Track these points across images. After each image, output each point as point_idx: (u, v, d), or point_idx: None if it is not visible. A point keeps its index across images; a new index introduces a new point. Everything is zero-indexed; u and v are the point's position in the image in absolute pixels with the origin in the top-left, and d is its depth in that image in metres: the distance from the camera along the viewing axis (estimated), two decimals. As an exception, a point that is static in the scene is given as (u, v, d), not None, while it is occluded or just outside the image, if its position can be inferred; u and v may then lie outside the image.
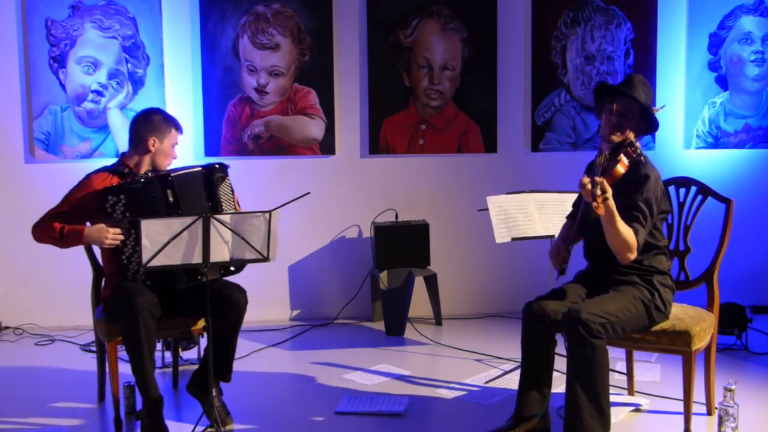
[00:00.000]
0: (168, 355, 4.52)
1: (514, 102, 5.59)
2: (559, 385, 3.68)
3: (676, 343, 3.41)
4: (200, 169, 3.74)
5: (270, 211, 3.37)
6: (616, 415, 3.72)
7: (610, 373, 4.22)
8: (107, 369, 3.77)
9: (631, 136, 3.41)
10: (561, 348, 3.45)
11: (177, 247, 3.26)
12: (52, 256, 5.30)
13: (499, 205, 4.24)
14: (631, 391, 3.98)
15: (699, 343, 3.46)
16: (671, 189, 3.84)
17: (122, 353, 4.63)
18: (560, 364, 3.75)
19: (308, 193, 3.76)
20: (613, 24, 5.52)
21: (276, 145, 5.45)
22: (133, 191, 3.59)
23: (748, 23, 5.55)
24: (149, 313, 3.48)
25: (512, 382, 4.22)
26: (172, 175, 3.62)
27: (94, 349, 4.45)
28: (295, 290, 5.59)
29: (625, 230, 3.26)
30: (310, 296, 5.60)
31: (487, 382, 4.26)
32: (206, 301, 3.46)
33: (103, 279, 3.84)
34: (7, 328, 5.36)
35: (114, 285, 3.67)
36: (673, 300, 3.51)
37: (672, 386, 4.07)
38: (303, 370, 4.52)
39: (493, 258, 5.60)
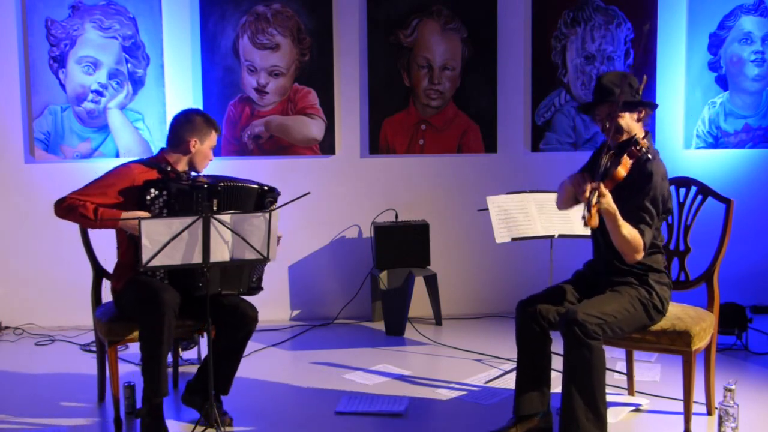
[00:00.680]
0: (168, 355, 4.51)
1: (514, 102, 5.59)
2: (558, 385, 3.67)
3: (676, 343, 3.41)
4: (257, 187, 3.70)
5: (270, 211, 3.37)
6: (616, 415, 3.72)
7: (611, 373, 4.25)
8: (107, 369, 3.76)
9: (632, 124, 3.39)
10: (558, 347, 3.45)
11: (177, 247, 3.25)
12: (52, 256, 5.32)
13: (499, 205, 4.24)
14: (631, 391, 3.98)
15: (699, 343, 3.46)
16: (671, 189, 3.84)
17: (122, 353, 4.64)
18: (558, 363, 3.74)
19: (308, 193, 3.76)
20: (613, 24, 5.52)
21: (276, 145, 5.45)
22: (179, 191, 3.56)
23: (748, 23, 5.55)
24: (173, 311, 3.45)
25: (512, 382, 4.18)
26: (221, 184, 3.59)
27: (94, 349, 4.44)
28: (295, 290, 5.59)
29: (630, 232, 3.24)
30: (310, 296, 5.60)
31: (487, 382, 4.26)
32: (215, 308, 3.45)
33: (115, 269, 3.78)
34: (7, 328, 5.36)
35: (130, 279, 3.62)
36: (670, 297, 3.51)
37: (672, 386, 4.07)
38: (303, 370, 4.52)
39: (493, 258, 5.60)
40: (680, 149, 5.64)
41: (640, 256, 3.30)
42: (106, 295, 3.97)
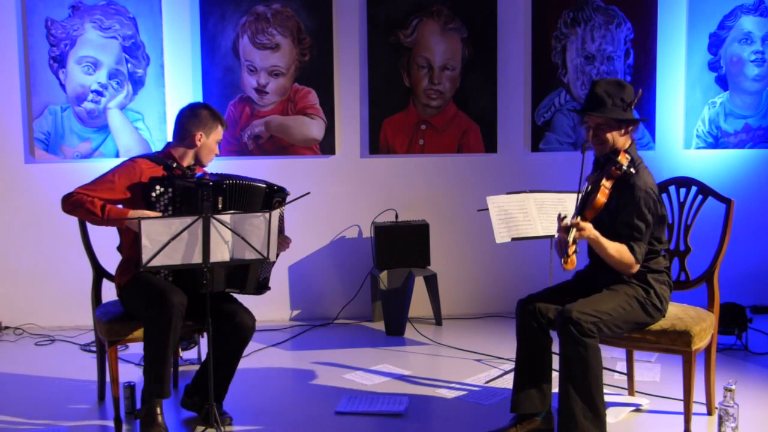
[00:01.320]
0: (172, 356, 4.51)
1: (514, 102, 5.59)
2: (557, 385, 3.67)
3: (677, 343, 3.41)
4: (264, 186, 3.66)
5: (270, 211, 3.37)
6: (616, 415, 3.72)
7: (611, 373, 4.25)
8: (107, 369, 3.76)
9: (617, 138, 3.38)
10: (556, 347, 3.45)
11: (177, 247, 3.25)
12: (52, 256, 5.32)
13: (499, 205, 4.24)
14: (631, 391, 3.98)
15: (699, 343, 3.46)
16: (671, 189, 3.85)
17: (122, 353, 4.64)
18: (557, 363, 3.74)
19: (308, 193, 3.76)
20: (613, 24, 5.52)
21: (276, 145, 5.45)
22: (185, 188, 3.55)
23: (748, 23, 5.55)
24: (181, 314, 3.44)
25: (512, 381, 4.22)
26: (226, 182, 3.56)
27: (94, 349, 4.44)
28: (295, 290, 5.59)
29: (618, 251, 3.28)
30: (310, 296, 5.60)
31: (487, 382, 4.26)
32: (213, 316, 3.45)
33: (120, 264, 3.76)
34: (7, 328, 5.36)
35: (134, 275, 3.60)
36: (670, 297, 3.51)
37: (672, 386, 4.07)
38: (303, 370, 4.52)
39: (493, 258, 5.60)
40: (680, 149, 5.64)
41: (633, 270, 3.34)
42: (106, 295, 3.97)
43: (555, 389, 3.56)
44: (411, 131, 5.54)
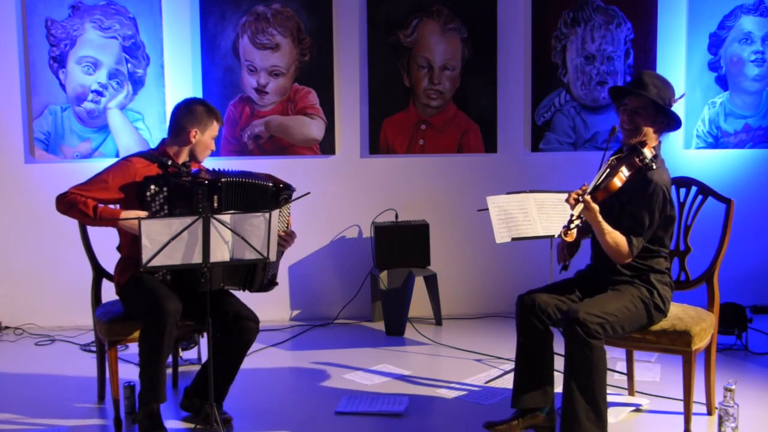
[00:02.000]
0: (167, 361, 4.50)
1: (514, 102, 5.59)
2: (560, 384, 3.67)
3: (677, 343, 3.41)
4: (263, 183, 3.64)
5: (270, 211, 3.36)
6: (617, 415, 3.72)
7: (611, 373, 4.25)
8: (107, 369, 3.76)
9: (649, 133, 3.39)
10: (559, 347, 3.45)
11: (177, 247, 3.24)
12: (52, 256, 5.32)
13: (499, 205, 4.24)
14: (631, 391, 3.98)
15: (699, 343, 3.46)
16: (671, 189, 3.84)
17: (122, 353, 4.64)
18: (560, 363, 3.74)
19: (308, 193, 3.76)
20: (613, 24, 5.52)
21: (276, 145, 5.44)
22: (179, 187, 3.54)
23: (748, 23, 5.55)
24: (175, 321, 3.43)
25: (512, 382, 4.22)
26: (222, 180, 3.54)
27: (94, 349, 4.44)
28: (295, 290, 5.59)
29: (615, 241, 3.29)
30: (310, 296, 5.60)
31: (487, 382, 4.26)
32: (217, 317, 3.46)
33: (119, 263, 3.76)
34: (7, 328, 5.36)
35: (133, 275, 3.60)
36: (672, 298, 3.51)
37: (672, 386, 4.07)
38: (303, 370, 4.52)
39: (493, 258, 5.60)
40: (680, 149, 5.64)
41: (624, 261, 3.35)
42: (106, 295, 3.97)
43: (558, 388, 3.56)
44: (411, 131, 5.54)
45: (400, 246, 5.23)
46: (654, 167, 3.33)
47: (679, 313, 3.54)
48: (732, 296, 4.88)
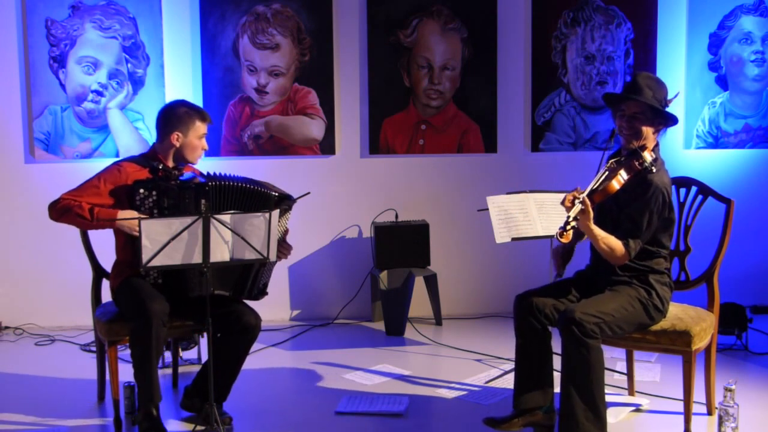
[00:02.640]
0: (168, 355, 4.51)
1: (514, 102, 5.59)
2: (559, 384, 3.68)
3: (677, 343, 3.41)
4: (253, 188, 3.61)
5: (270, 211, 3.36)
6: (616, 415, 3.72)
7: (611, 373, 4.25)
8: (107, 369, 3.76)
9: (649, 135, 3.38)
10: (557, 347, 3.45)
11: (177, 248, 3.25)
12: (52, 256, 5.32)
13: (499, 205, 4.24)
14: (631, 391, 3.98)
15: (699, 343, 3.46)
16: (671, 189, 3.84)
17: (122, 353, 4.64)
18: (558, 363, 3.74)
19: (308, 193, 3.76)
20: (613, 24, 5.52)
21: (276, 145, 5.44)
22: (167, 190, 3.54)
23: (748, 23, 5.55)
24: (161, 321, 3.43)
25: (512, 382, 4.21)
26: (209, 184, 3.54)
27: (94, 349, 4.44)
28: (295, 290, 5.59)
29: (609, 245, 3.29)
30: (310, 296, 5.60)
31: (487, 382, 4.26)
32: (219, 316, 3.46)
33: (113, 267, 3.77)
34: (7, 328, 5.36)
35: (125, 278, 3.61)
36: (671, 298, 3.51)
37: (672, 386, 4.07)
38: (303, 370, 4.52)
39: (493, 258, 5.59)
40: (680, 149, 5.64)
41: (621, 263, 3.35)
42: (106, 295, 3.97)
43: (556, 388, 3.56)
44: (411, 131, 5.54)
45: (400, 246, 5.23)
46: (654, 170, 3.33)
47: (679, 313, 3.54)
48: (732, 296, 4.88)
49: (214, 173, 3.65)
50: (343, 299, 5.55)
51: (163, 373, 4.40)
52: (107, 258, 3.96)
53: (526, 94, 5.58)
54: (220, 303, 3.61)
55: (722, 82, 5.59)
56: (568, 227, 3.19)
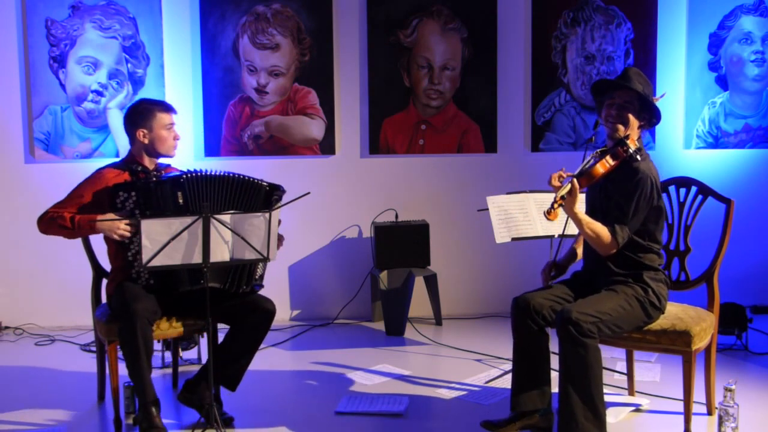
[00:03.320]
0: (168, 355, 4.52)
1: (514, 102, 5.59)
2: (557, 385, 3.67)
3: (676, 343, 3.41)
4: (234, 177, 3.61)
5: (270, 211, 3.36)
6: (616, 415, 3.72)
7: (611, 373, 4.25)
8: (107, 369, 3.77)
9: (634, 126, 3.41)
10: (555, 347, 3.45)
11: (177, 247, 3.25)
12: (52, 256, 5.32)
13: (499, 205, 4.24)
14: (631, 391, 3.98)
15: (699, 343, 3.46)
16: (671, 189, 3.84)
17: (122, 353, 4.64)
18: (557, 363, 3.74)
19: (308, 193, 3.76)
20: (613, 24, 5.52)
21: (276, 145, 5.45)
22: (144, 189, 3.55)
23: (748, 23, 5.55)
24: (147, 320, 3.45)
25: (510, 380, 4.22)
26: (183, 177, 3.55)
27: (94, 349, 4.44)
28: (295, 290, 5.59)
29: (594, 230, 3.32)
30: (310, 296, 5.60)
31: (487, 382, 4.26)
32: (233, 306, 3.46)
33: (109, 274, 3.81)
34: (7, 328, 5.36)
35: (118, 283, 3.64)
36: (668, 294, 3.52)
37: (672, 386, 4.07)
38: (303, 370, 4.52)
39: (493, 258, 5.60)
40: (680, 149, 5.64)
41: (611, 251, 3.36)
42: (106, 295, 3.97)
43: (555, 389, 3.56)
44: (411, 131, 5.54)
45: (400, 246, 5.23)
46: (639, 159, 3.37)
47: (679, 313, 3.54)
48: (732, 296, 4.88)
49: (194, 170, 3.62)
50: (343, 299, 5.55)
51: (163, 373, 4.41)
52: (107, 258, 3.96)
53: (526, 94, 5.58)
54: (231, 295, 3.63)
55: (722, 82, 5.59)
56: (556, 206, 3.24)
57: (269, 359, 4.73)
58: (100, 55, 5.26)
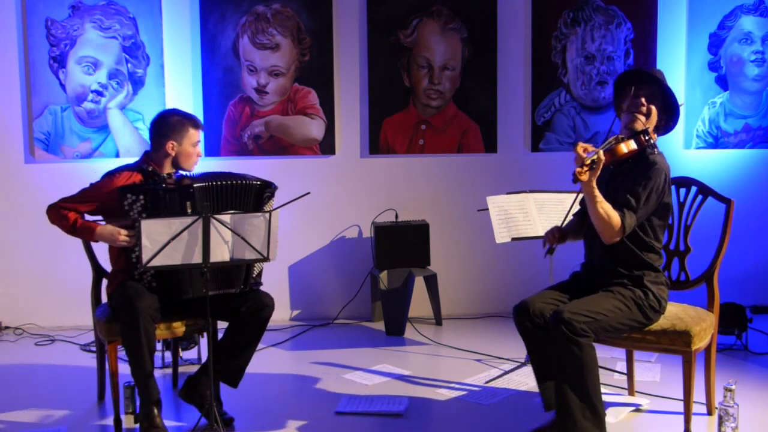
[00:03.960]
0: (168, 355, 4.52)
1: (514, 102, 5.59)
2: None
3: (676, 343, 3.41)
4: (242, 182, 3.62)
5: (270, 211, 3.37)
6: (616, 415, 3.72)
7: (611, 373, 4.26)
8: (107, 369, 3.77)
9: (653, 122, 3.43)
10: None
11: (177, 247, 3.25)
12: (52, 257, 5.32)
13: (499, 205, 4.24)
14: (631, 391, 3.98)
15: (699, 343, 3.46)
16: (671, 189, 3.84)
17: (122, 353, 4.64)
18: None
19: (308, 193, 3.76)
20: (613, 24, 5.52)
21: (276, 145, 5.45)
22: (153, 194, 3.55)
23: (748, 23, 5.55)
24: (149, 317, 3.46)
25: (512, 382, 4.23)
26: (194, 186, 3.54)
27: (94, 349, 4.44)
28: (295, 290, 5.59)
29: (607, 211, 3.29)
30: (310, 296, 5.60)
31: (487, 382, 4.26)
32: (230, 301, 3.46)
33: (109, 275, 3.81)
34: (7, 328, 5.36)
35: (119, 283, 3.65)
36: (668, 296, 3.51)
37: (672, 386, 4.07)
38: (303, 370, 4.52)
39: (493, 258, 5.60)
40: (680, 149, 5.64)
41: (616, 238, 3.32)
42: (106, 295, 3.97)
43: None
44: (411, 131, 5.54)
45: (400, 246, 5.23)
46: (657, 152, 3.42)
47: (679, 313, 3.54)
48: (732, 296, 4.88)
49: (190, 174, 3.66)
50: (343, 299, 5.55)
51: (163, 373, 4.40)
52: (107, 258, 3.96)
53: (526, 94, 5.58)
54: (229, 298, 3.65)
55: (722, 82, 5.59)
56: (585, 168, 3.16)
57: (269, 359, 4.73)
58: (100, 55, 5.26)
